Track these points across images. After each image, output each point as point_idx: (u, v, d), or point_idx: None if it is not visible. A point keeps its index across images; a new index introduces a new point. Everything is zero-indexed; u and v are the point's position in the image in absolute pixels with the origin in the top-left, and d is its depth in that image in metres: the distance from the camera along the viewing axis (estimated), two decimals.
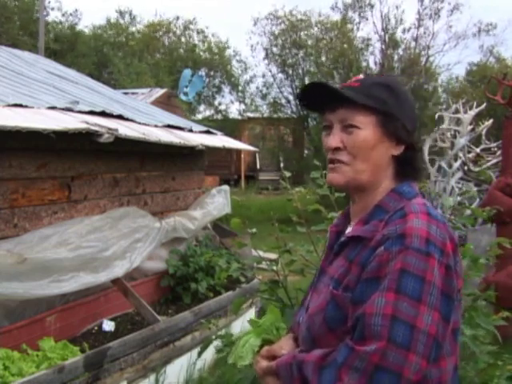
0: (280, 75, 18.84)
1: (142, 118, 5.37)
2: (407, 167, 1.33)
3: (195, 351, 4.10)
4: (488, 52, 21.47)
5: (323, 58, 17.92)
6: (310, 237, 2.68)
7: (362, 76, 1.36)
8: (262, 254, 2.79)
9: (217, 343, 2.43)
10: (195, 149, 5.38)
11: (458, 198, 8.42)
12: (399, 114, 1.29)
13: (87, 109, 4.34)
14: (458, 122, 10.16)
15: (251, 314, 5.61)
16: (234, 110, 22.89)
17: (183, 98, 12.64)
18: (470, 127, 10.06)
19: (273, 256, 2.70)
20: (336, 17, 18.54)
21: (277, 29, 18.65)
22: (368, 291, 1.15)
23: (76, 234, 3.95)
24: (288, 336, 1.40)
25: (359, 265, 1.21)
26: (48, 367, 3.34)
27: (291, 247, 2.61)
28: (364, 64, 17.52)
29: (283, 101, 18.91)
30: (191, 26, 22.88)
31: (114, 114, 4.62)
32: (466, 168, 9.90)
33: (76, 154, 4.23)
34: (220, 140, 6.46)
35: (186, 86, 12.57)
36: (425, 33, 18.04)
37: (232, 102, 22.42)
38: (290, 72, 18.57)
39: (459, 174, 9.82)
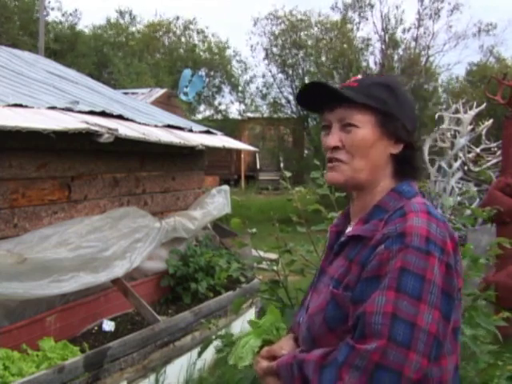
0: (280, 75, 18.86)
1: (142, 117, 5.37)
2: (406, 166, 1.33)
3: (195, 351, 4.10)
4: (488, 52, 21.49)
5: (323, 58, 17.92)
6: (310, 237, 2.68)
7: (360, 76, 1.37)
8: (262, 254, 2.79)
9: (217, 343, 2.43)
10: (195, 149, 5.37)
11: (458, 198, 8.42)
12: (399, 114, 1.30)
13: (87, 109, 4.34)
14: (458, 122, 10.16)
15: (251, 314, 5.61)
16: (234, 110, 22.93)
17: (183, 97, 12.64)
18: (470, 127, 10.06)
19: (273, 256, 2.70)
20: (336, 17, 18.57)
21: (277, 29, 18.67)
22: (368, 290, 1.15)
23: (76, 234, 3.95)
24: (288, 336, 1.39)
25: (359, 264, 1.21)
26: (48, 367, 3.34)
27: (291, 247, 2.61)
28: (364, 64, 17.53)
29: (283, 101, 18.92)
30: (191, 26, 22.90)
31: (114, 113, 4.62)
32: (465, 168, 9.90)
33: (76, 154, 4.23)
34: (220, 140, 6.46)
35: (186, 86, 12.57)
36: (425, 33, 18.06)
37: (232, 103, 22.46)
38: (290, 72, 18.58)
39: (459, 174, 9.82)
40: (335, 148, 1.30)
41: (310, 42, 18.25)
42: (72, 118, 3.89)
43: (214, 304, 5.16)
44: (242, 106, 21.65)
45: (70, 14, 19.12)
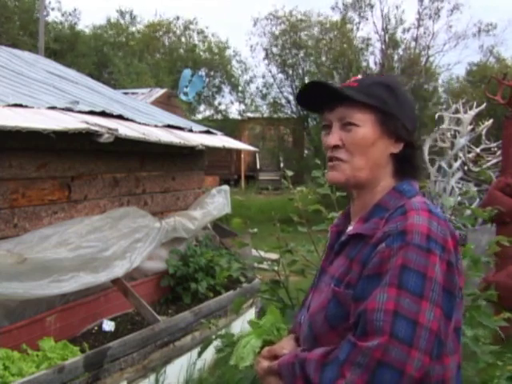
0: (280, 75, 18.88)
1: (142, 118, 5.37)
2: (406, 165, 1.33)
3: (195, 351, 4.10)
4: (488, 52, 21.50)
5: (323, 58, 17.93)
6: (310, 237, 2.68)
7: (360, 76, 1.37)
8: (263, 254, 2.79)
9: (217, 343, 2.42)
10: (195, 149, 5.37)
11: (459, 198, 8.42)
12: (399, 113, 1.30)
13: (87, 109, 4.34)
14: (458, 122, 10.16)
15: (251, 314, 5.61)
16: (234, 110, 22.92)
17: (183, 97, 12.64)
18: (470, 127, 10.07)
19: (274, 256, 2.70)
20: (336, 17, 18.58)
21: (277, 29, 18.68)
22: (369, 288, 1.15)
23: (76, 234, 3.95)
24: (289, 336, 1.39)
25: (360, 262, 1.21)
26: (48, 367, 3.33)
27: (292, 247, 2.61)
28: (364, 64, 17.55)
29: (283, 101, 18.95)
30: (191, 26, 22.90)
31: (114, 114, 4.62)
32: (465, 168, 9.90)
33: (76, 154, 4.22)
34: (220, 140, 6.46)
35: (186, 86, 12.57)
36: (425, 33, 18.08)
37: (232, 103, 22.45)
38: (290, 72, 18.60)
39: (459, 174, 9.82)
40: (335, 147, 1.30)
41: (310, 43, 18.26)
42: (72, 118, 3.89)
43: (214, 304, 5.15)
44: (242, 106, 21.70)
45: (70, 14, 19.14)
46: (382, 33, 17.61)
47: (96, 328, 4.45)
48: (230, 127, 18.35)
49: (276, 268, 2.55)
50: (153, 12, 42.68)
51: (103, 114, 4.40)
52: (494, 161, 9.95)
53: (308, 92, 1.35)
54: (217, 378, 4.49)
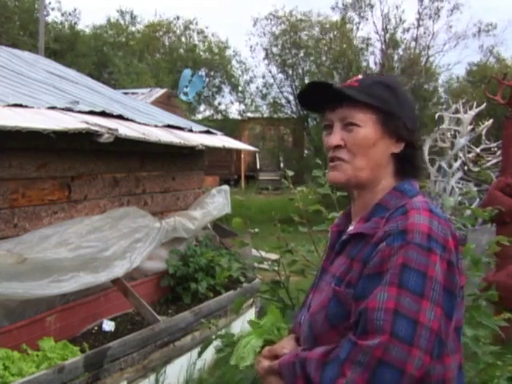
0: (280, 75, 18.87)
1: (142, 118, 5.37)
2: (407, 165, 1.33)
3: (195, 351, 4.10)
4: (488, 52, 21.50)
5: (323, 58, 17.93)
6: (311, 237, 2.68)
7: (360, 76, 1.37)
8: (264, 254, 2.78)
9: (217, 343, 2.42)
10: (195, 149, 5.37)
11: (459, 198, 8.42)
12: (400, 113, 1.30)
13: (87, 109, 4.34)
14: (458, 122, 10.16)
15: (251, 313, 5.61)
16: (234, 110, 22.89)
17: (183, 97, 12.64)
18: (470, 127, 10.06)
19: (274, 256, 2.70)
20: (336, 17, 18.58)
21: (277, 29, 18.68)
22: (370, 286, 1.15)
23: (76, 234, 3.95)
24: (290, 336, 1.39)
25: (361, 261, 1.21)
26: (48, 367, 3.33)
27: (292, 247, 2.61)
28: (364, 64, 17.54)
29: (283, 101, 18.93)
30: (191, 26, 22.89)
31: (114, 114, 4.62)
32: (465, 168, 9.90)
33: (76, 154, 4.22)
34: (220, 140, 6.46)
35: (186, 86, 12.57)
36: (425, 33, 18.09)
37: (232, 103, 22.44)
38: (290, 72, 18.58)
39: (459, 174, 9.82)
40: (337, 147, 1.30)
41: (310, 43, 18.25)
42: (72, 118, 3.89)
43: (214, 304, 5.15)
44: (242, 106, 21.67)
45: (70, 14, 19.13)
46: (382, 33, 17.64)
47: (96, 328, 4.45)
48: (229, 127, 18.35)
49: (276, 268, 2.55)
50: (153, 12, 42.71)
51: (103, 113, 4.40)
52: (494, 161, 9.95)
53: (309, 92, 1.35)
54: (217, 378, 4.49)
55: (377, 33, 17.74)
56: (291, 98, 18.44)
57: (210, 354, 4.18)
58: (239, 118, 21.57)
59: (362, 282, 1.18)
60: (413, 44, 17.93)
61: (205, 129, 6.46)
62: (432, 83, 18.14)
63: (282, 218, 2.65)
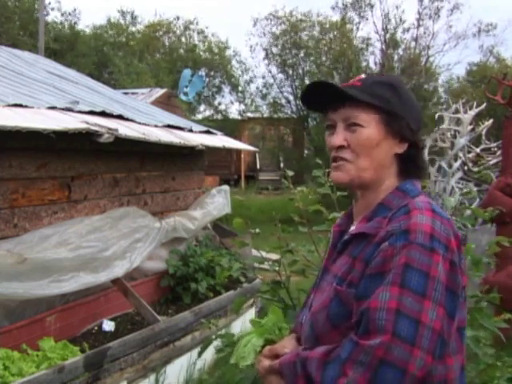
0: (280, 75, 18.87)
1: (142, 118, 5.37)
2: (410, 165, 1.33)
3: (195, 351, 4.10)
4: (488, 52, 21.51)
5: (323, 58, 17.92)
6: (311, 237, 2.67)
7: (363, 76, 1.36)
8: (264, 254, 2.78)
9: (217, 343, 2.42)
10: (195, 149, 5.37)
11: (460, 198, 8.41)
12: (403, 113, 1.30)
13: (87, 109, 4.34)
14: (458, 122, 10.15)
15: (251, 314, 5.61)
16: (234, 110, 22.87)
17: (183, 97, 12.64)
18: (470, 127, 10.05)
19: (274, 256, 2.70)
20: (336, 17, 18.58)
21: (277, 29, 18.68)
22: (372, 286, 1.14)
23: (76, 234, 3.94)
24: (291, 336, 1.39)
25: (363, 261, 1.21)
26: (48, 367, 3.33)
27: (293, 247, 2.60)
28: (364, 64, 17.54)
29: (283, 101, 18.93)
30: (191, 26, 22.89)
31: (114, 113, 4.62)
32: (465, 168, 9.89)
33: (76, 153, 4.22)
34: (220, 140, 6.46)
35: (186, 86, 12.57)
36: (425, 33, 18.10)
37: (232, 103, 22.44)
38: (290, 72, 18.58)
39: (459, 174, 9.81)
40: (340, 147, 1.30)
41: (310, 43, 18.25)
42: (72, 118, 3.89)
43: (214, 304, 5.15)
44: (242, 106, 21.67)
45: (70, 14, 19.12)
46: (382, 33, 17.63)
47: (96, 328, 4.45)
48: (229, 127, 18.35)
49: (277, 268, 2.55)
50: (153, 12, 42.69)
51: (103, 113, 4.40)
52: (494, 161, 9.94)
53: (311, 92, 1.34)
54: (217, 378, 4.49)
55: (377, 33, 17.77)
56: (291, 98, 18.45)
57: (210, 354, 4.18)
58: (239, 117, 21.57)
59: (364, 282, 1.17)
60: (413, 44, 17.95)
61: (205, 129, 6.46)
62: (432, 83, 18.14)
63: (282, 218, 2.64)
